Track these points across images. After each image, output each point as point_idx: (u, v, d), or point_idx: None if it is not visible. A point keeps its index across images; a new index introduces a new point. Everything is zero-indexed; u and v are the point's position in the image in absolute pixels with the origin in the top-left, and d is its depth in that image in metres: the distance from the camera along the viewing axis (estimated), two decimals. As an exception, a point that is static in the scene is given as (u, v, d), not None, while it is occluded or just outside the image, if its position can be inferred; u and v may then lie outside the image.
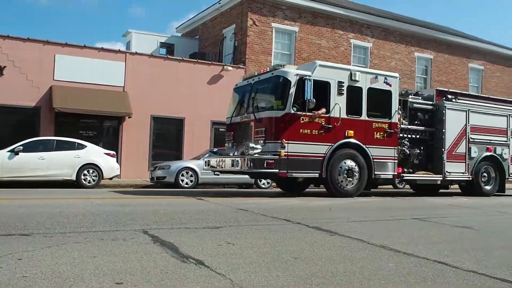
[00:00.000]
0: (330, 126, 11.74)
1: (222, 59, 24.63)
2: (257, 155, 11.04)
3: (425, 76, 28.83)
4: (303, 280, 3.17)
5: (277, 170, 11.00)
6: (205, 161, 12.95)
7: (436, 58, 29.35)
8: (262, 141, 11.30)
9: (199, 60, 22.61)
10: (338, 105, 11.85)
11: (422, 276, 3.44)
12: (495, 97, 17.72)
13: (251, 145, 11.06)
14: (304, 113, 11.33)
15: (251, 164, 10.86)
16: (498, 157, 15.27)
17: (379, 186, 15.14)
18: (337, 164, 11.82)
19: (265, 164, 10.91)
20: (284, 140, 11.05)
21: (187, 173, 16.54)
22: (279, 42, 24.13)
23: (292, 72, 11.51)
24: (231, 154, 12.13)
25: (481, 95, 16.30)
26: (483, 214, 9.04)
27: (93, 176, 15.70)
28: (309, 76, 11.40)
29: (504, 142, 15.52)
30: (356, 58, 26.18)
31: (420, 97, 14.52)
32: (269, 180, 17.36)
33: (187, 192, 13.06)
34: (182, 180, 16.47)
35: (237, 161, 11.28)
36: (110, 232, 4.99)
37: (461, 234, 5.87)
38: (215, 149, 17.51)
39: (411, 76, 27.71)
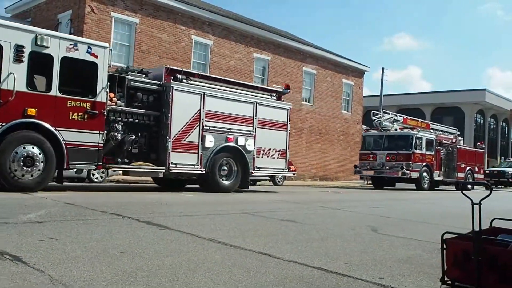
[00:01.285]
0: (1, 101, 9.62)
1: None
2: None
3: (262, 77, 30.29)
4: (127, 274, 3.17)
5: None
6: None
7: (273, 60, 31.01)
8: None
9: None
10: (13, 75, 9.68)
11: (246, 267, 3.62)
12: (242, 82, 16.50)
13: None
14: None
15: None
16: (241, 148, 13.80)
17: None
18: (10, 149, 9.66)
19: None
20: None
21: None
22: (119, 33, 23.45)
23: None
24: None
25: (224, 78, 15.06)
26: (308, 208, 9.73)
27: None
28: None
29: (249, 132, 14.05)
30: (196, 55, 26.52)
31: (144, 76, 12.56)
32: (102, 174, 16.83)
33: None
34: None
35: None
36: None
37: (286, 227, 6.26)
38: None
39: (250, 76, 28.91)
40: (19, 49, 9.89)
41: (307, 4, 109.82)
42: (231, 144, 13.60)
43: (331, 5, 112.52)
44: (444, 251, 2.80)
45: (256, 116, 14.29)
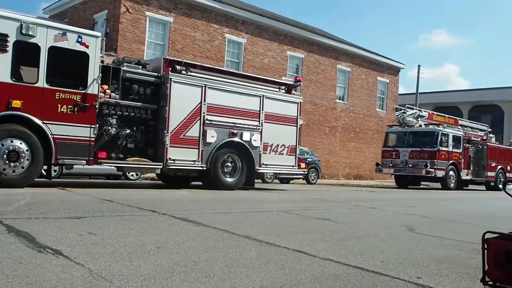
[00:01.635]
0: None
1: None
2: None
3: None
4: (164, 269, 3.22)
5: None
6: None
7: (307, 58, 30.88)
8: None
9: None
10: None
11: (281, 264, 3.62)
12: (248, 74, 15.63)
13: None
14: None
15: None
16: (246, 144, 13.01)
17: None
18: None
19: None
20: None
21: None
22: (153, 32, 23.78)
23: None
24: None
25: (228, 70, 14.00)
26: (343, 207, 9.67)
27: None
28: None
29: (254, 127, 13.26)
30: (230, 53, 26.67)
31: (141, 67, 11.93)
32: (138, 172, 16.97)
33: (50, 182, 12.33)
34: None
35: None
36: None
37: (321, 225, 6.24)
38: None
39: (283, 74, 28.85)
40: (2, 38, 9.45)
41: (341, 0, 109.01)
42: (235, 139, 12.86)
43: (365, 2, 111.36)
44: (485, 251, 2.74)
45: (263, 110, 13.49)
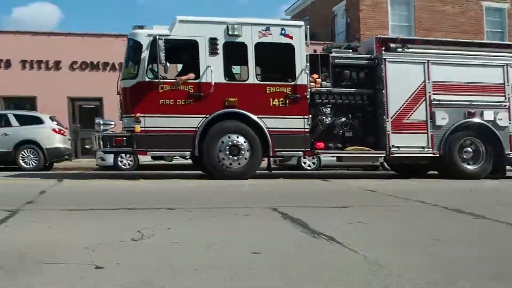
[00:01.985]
0: (202, 94, 10.29)
1: (335, 38, 24.57)
2: (109, 132, 10.62)
3: None
4: (446, 261, 3.10)
5: (130, 149, 10.50)
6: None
7: None
8: (120, 116, 10.90)
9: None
10: (210, 68, 10.27)
11: None
12: (483, 42, 13.87)
13: (98, 121, 10.75)
14: (164, 80, 10.23)
15: (101, 143, 10.47)
16: (489, 124, 11.68)
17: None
18: (216, 139, 10.32)
19: (114, 142, 10.39)
20: (138, 113, 10.12)
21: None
22: (396, 14, 23.55)
23: (144, 33, 10.32)
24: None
25: (457, 40, 12.82)
26: None
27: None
28: (165, 35, 10.14)
29: (499, 104, 11.84)
30: (490, 23, 24.72)
31: (351, 51, 11.89)
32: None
33: (310, 174, 13.36)
34: (305, 163, 17.41)
35: (90, 139, 11.33)
36: (242, 208, 5.48)
37: None
38: None
39: None
40: (213, 42, 10.42)
41: None
42: (474, 120, 11.71)
43: None
44: None
45: (508, 82, 11.93)
